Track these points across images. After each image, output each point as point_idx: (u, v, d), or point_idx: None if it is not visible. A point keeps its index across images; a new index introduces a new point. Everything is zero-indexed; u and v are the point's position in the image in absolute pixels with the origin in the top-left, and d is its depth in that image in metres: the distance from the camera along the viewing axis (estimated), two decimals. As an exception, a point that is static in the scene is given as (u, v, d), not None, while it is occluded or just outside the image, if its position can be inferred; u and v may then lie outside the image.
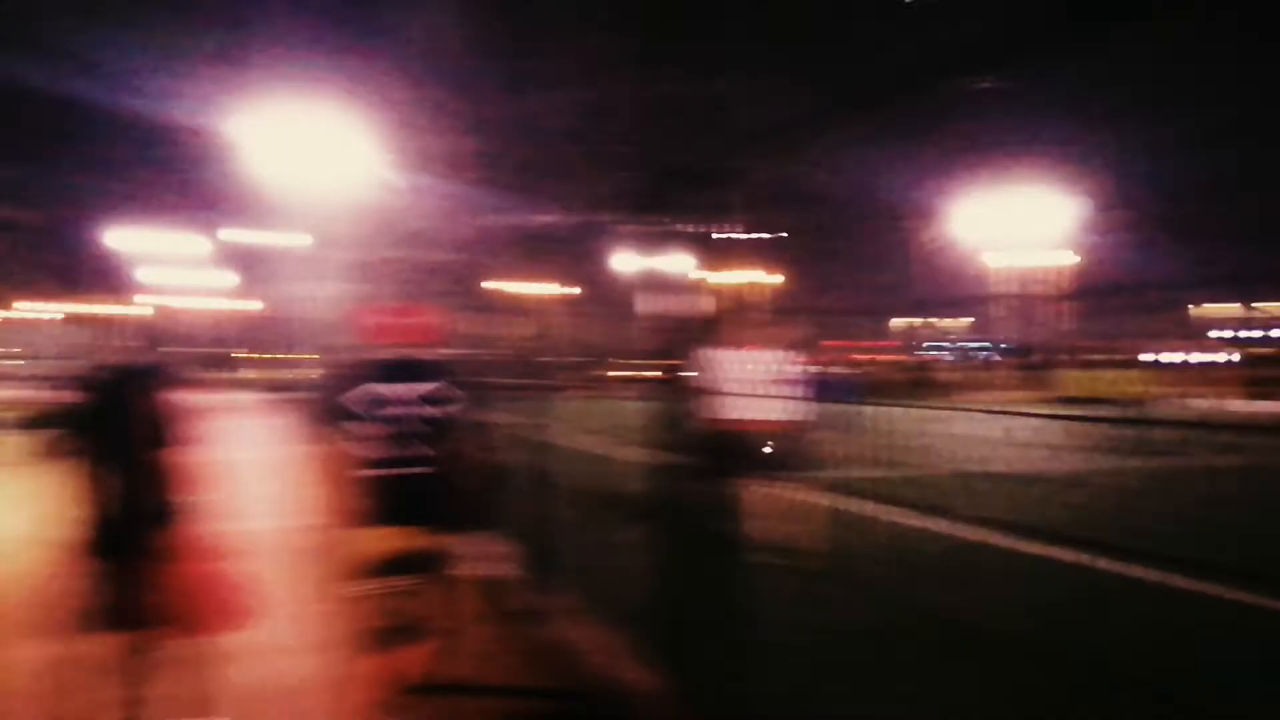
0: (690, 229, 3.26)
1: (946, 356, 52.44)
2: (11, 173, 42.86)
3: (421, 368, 3.53)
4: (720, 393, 3.38)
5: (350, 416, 3.41)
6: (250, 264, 39.64)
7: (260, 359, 46.94)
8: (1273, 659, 4.30)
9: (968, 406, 17.86)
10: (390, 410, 3.42)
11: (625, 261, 12.44)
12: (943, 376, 36.94)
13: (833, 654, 4.28)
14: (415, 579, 3.40)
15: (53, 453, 3.61)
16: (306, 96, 11.60)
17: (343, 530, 3.39)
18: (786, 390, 6.10)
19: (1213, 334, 42.66)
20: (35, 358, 43.70)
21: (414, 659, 3.49)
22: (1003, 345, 44.09)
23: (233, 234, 27.39)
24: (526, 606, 5.11)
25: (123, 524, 3.52)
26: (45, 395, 3.88)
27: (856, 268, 40.86)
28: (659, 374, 3.19)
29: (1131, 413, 15.01)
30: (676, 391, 3.05)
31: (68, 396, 3.69)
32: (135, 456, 3.56)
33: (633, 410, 4.06)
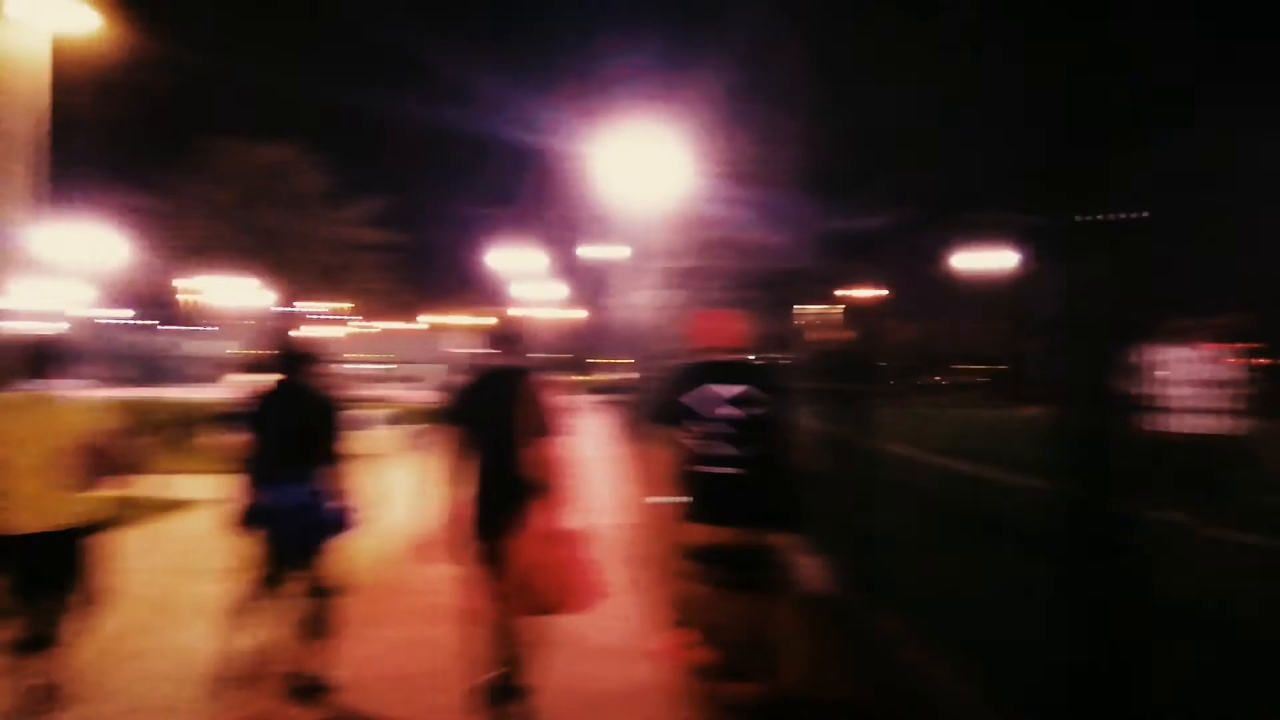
0: (1052, 220, 2.81)
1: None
2: (391, 200, 50.15)
3: (739, 370, 3.69)
4: (1159, 401, 2.84)
5: (688, 415, 3.62)
6: (581, 275, 42.76)
7: (591, 363, 50.59)
8: None
9: None
10: (721, 410, 3.59)
11: (970, 260, 11.71)
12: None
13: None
14: (737, 577, 3.49)
15: (429, 444, 4.10)
16: (644, 115, 12.25)
17: (672, 524, 3.60)
18: (1220, 394, 5.17)
19: None
20: (405, 362, 50.46)
21: (740, 668, 3.50)
22: None
23: (582, 250, 29.54)
24: (858, 626, 4.80)
25: (497, 506, 3.90)
26: (414, 395, 4.35)
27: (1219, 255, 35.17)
28: (1064, 383, 2.67)
29: None
30: (1090, 400, 2.54)
31: (444, 396, 4.18)
32: (509, 447, 3.93)
33: (975, 419, 3.61)
